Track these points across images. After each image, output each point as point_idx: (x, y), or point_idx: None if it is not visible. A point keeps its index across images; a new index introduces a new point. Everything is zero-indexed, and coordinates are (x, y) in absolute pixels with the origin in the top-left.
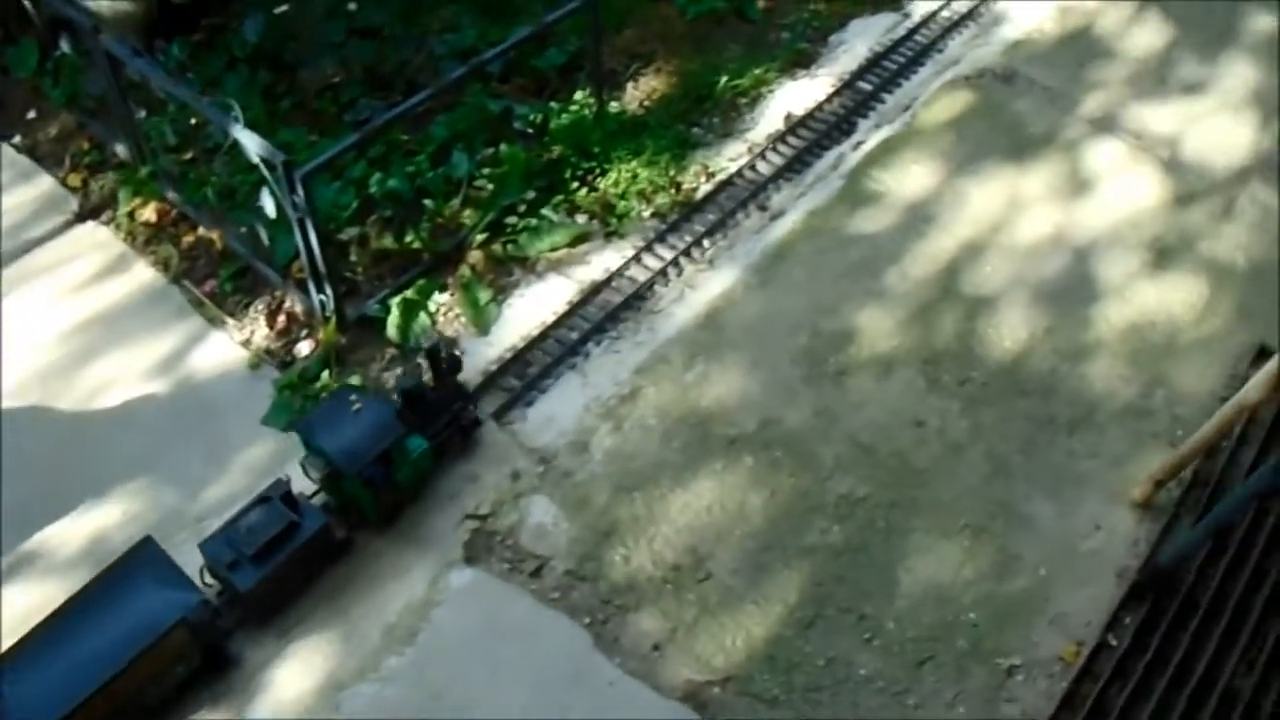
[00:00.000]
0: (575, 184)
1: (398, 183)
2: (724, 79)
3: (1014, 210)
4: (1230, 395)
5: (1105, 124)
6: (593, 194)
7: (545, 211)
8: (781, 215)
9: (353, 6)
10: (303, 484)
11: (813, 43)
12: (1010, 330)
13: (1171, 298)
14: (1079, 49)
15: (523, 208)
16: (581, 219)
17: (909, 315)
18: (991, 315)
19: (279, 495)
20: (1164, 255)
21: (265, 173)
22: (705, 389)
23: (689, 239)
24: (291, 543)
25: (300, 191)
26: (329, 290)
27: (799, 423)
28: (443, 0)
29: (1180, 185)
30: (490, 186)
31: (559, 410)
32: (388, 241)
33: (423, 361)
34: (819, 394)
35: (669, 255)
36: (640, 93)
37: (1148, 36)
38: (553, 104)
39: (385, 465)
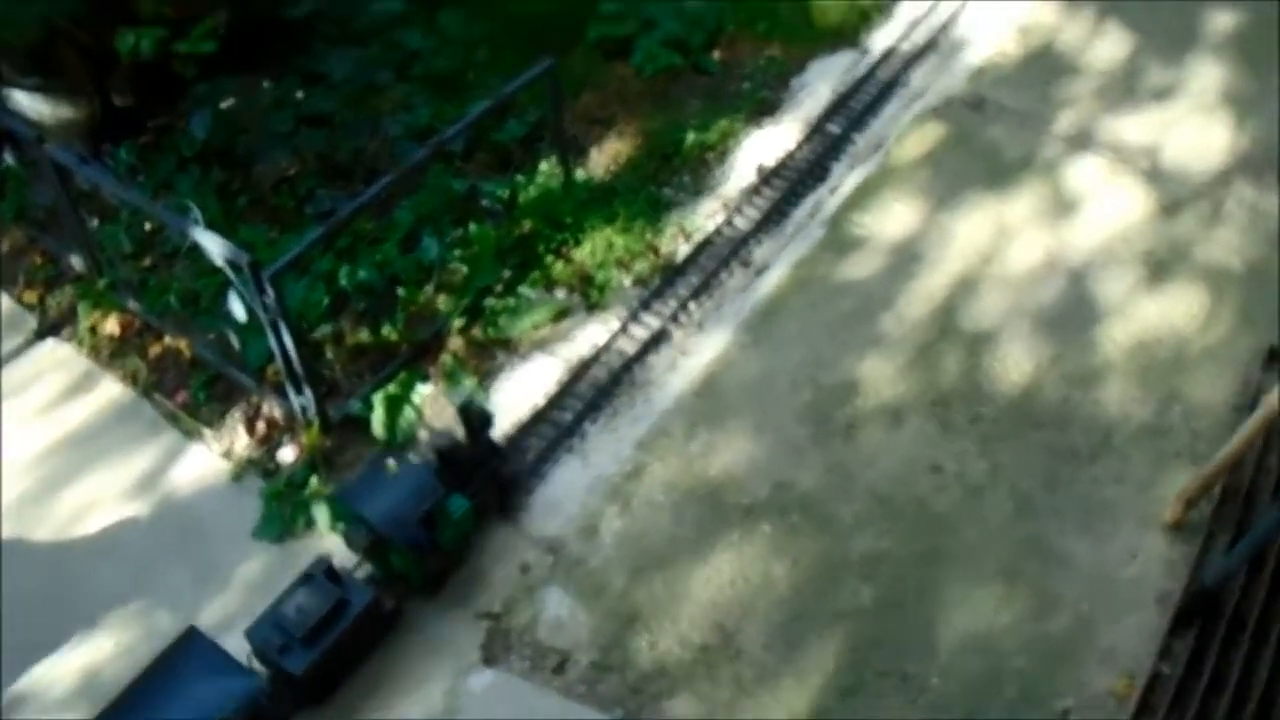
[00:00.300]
0: (550, 258)
1: (368, 273)
2: (690, 135)
3: (1002, 239)
4: (1244, 402)
5: (1081, 141)
6: (569, 267)
7: (523, 289)
8: (766, 270)
9: (300, 95)
10: (341, 556)
11: (774, 89)
12: (1016, 363)
13: (1173, 310)
14: (1044, 68)
15: (499, 288)
16: (561, 294)
17: (911, 359)
18: (995, 349)
19: (322, 572)
20: (1159, 268)
21: (231, 275)
22: (711, 459)
23: (674, 304)
24: (341, 621)
25: (270, 292)
26: (308, 393)
27: (813, 483)
28: (392, 80)
29: (1164, 194)
30: (463, 269)
31: (562, 495)
32: (363, 336)
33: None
34: (829, 451)
35: (656, 323)
36: (606, 157)
37: (1110, 47)
38: (518, 178)
39: (429, 529)
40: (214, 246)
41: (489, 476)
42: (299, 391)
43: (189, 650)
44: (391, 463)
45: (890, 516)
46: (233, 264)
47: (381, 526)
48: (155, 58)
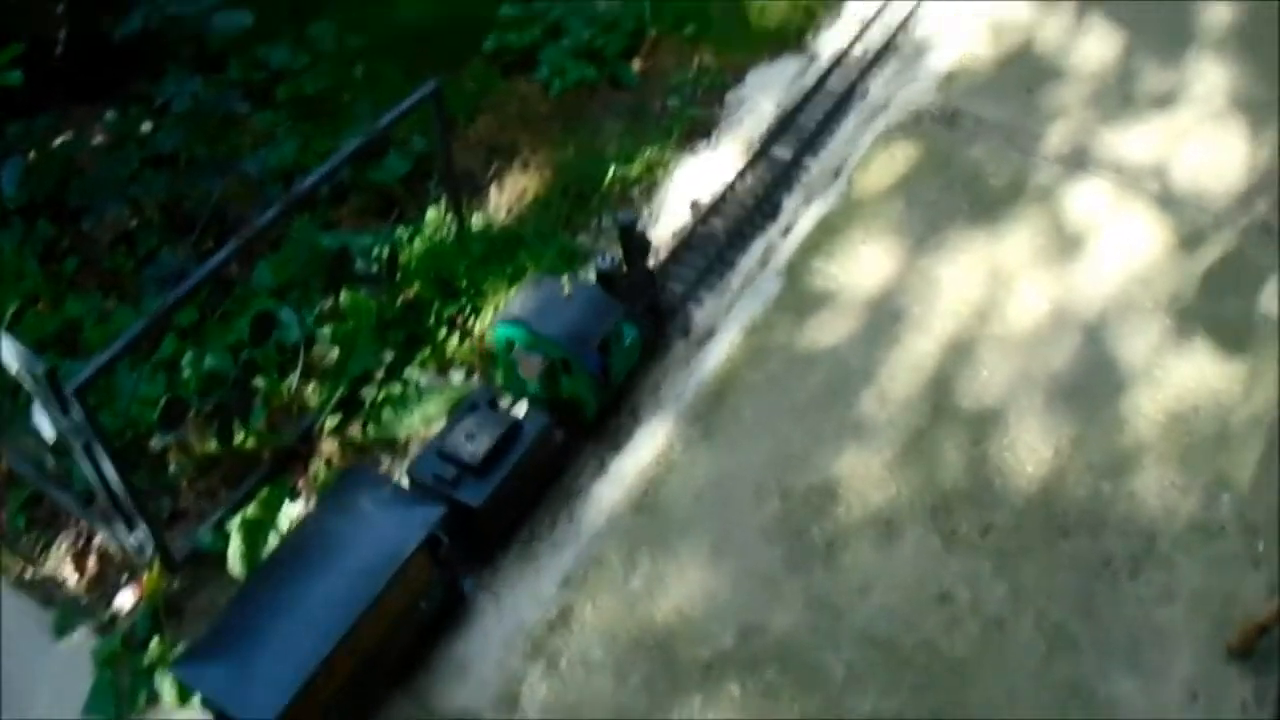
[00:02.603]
0: (442, 332)
1: (217, 360)
2: (609, 168)
3: (998, 288)
4: None
5: (1077, 160)
6: (467, 342)
7: (409, 373)
8: (711, 337)
9: (146, 127)
10: None
11: (707, 106)
12: (1030, 450)
13: (1208, 370)
14: (1024, 72)
15: (380, 373)
16: (457, 377)
17: (900, 451)
18: (1002, 434)
19: (485, 402)
20: (1186, 316)
21: (30, 386)
22: (659, 597)
23: None
24: (516, 448)
25: (76, 411)
26: (143, 527)
27: (790, 625)
28: (251, 108)
29: (1181, 224)
30: (335, 351)
31: (471, 653)
32: (213, 445)
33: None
34: (808, 580)
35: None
36: (508, 197)
37: (1098, 46)
38: (400, 230)
39: (604, 355)
40: (5, 352)
41: (649, 306)
42: (130, 526)
43: (356, 484)
44: (566, 280)
45: (893, 665)
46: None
47: (568, 346)
48: None
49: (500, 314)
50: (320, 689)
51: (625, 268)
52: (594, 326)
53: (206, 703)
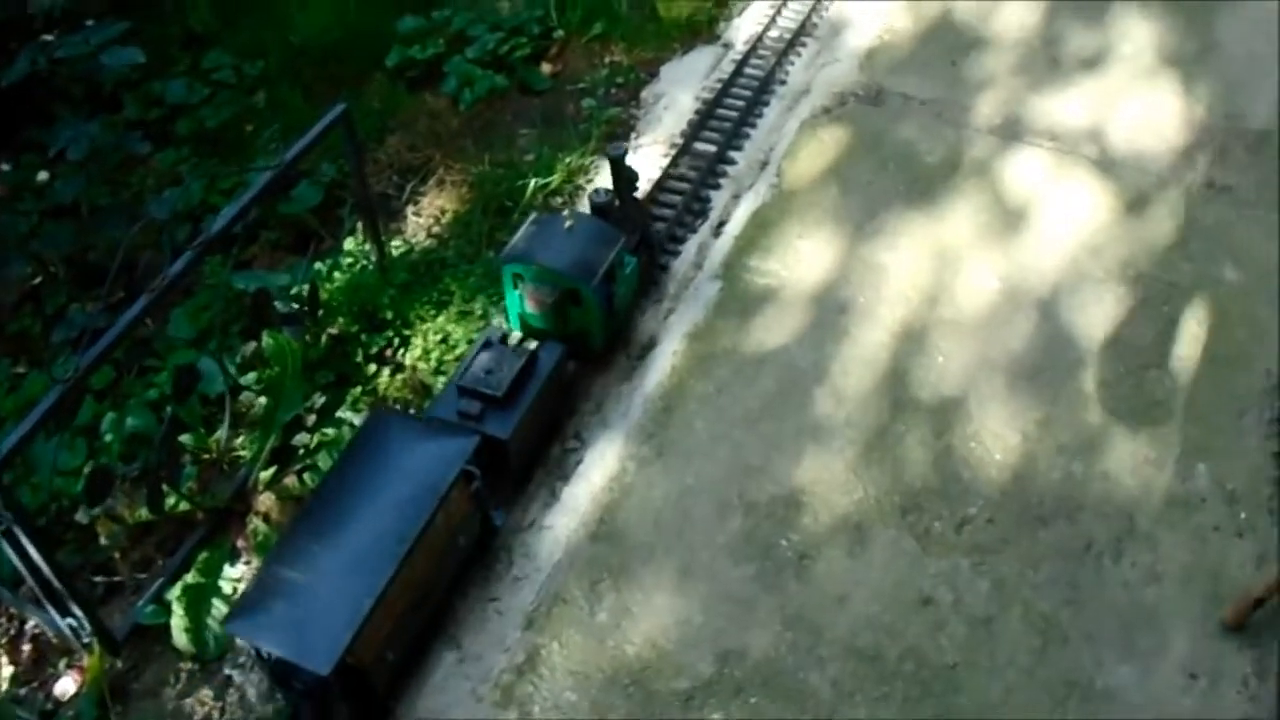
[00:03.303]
0: (372, 368)
1: (139, 420)
2: (529, 180)
3: (945, 270)
4: (1273, 435)
5: (1011, 131)
6: (398, 376)
7: (343, 415)
8: (652, 348)
9: (43, 176)
10: None
11: (623, 105)
12: (996, 438)
13: (1169, 335)
14: (946, 43)
15: (311, 417)
16: None
17: (862, 451)
18: (966, 423)
19: (498, 339)
20: (1140, 283)
21: None
22: (628, 629)
23: None
24: (535, 379)
25: None
26: (77, 610)
27: (769, 646)
28: (151, 147)
29: (1124, 188)
30: (263, 400)
31: (438, 705)
32: (143, 513)
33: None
34: (783, 596)
35: None
36: (426, 218)
37: (1019, 10)
38: (319, 264)
39: (609, 284)
40: None
41: (642, 237)
42: (63, 610)
43: (383, 425)
44: (568, 214)
45: (881, 677)
46: None
47: (576, 277)
48: None
49: (504, 252)
50: (377, 626)
51: (617, 200)
52: (599, 257)
53: (261, 660)
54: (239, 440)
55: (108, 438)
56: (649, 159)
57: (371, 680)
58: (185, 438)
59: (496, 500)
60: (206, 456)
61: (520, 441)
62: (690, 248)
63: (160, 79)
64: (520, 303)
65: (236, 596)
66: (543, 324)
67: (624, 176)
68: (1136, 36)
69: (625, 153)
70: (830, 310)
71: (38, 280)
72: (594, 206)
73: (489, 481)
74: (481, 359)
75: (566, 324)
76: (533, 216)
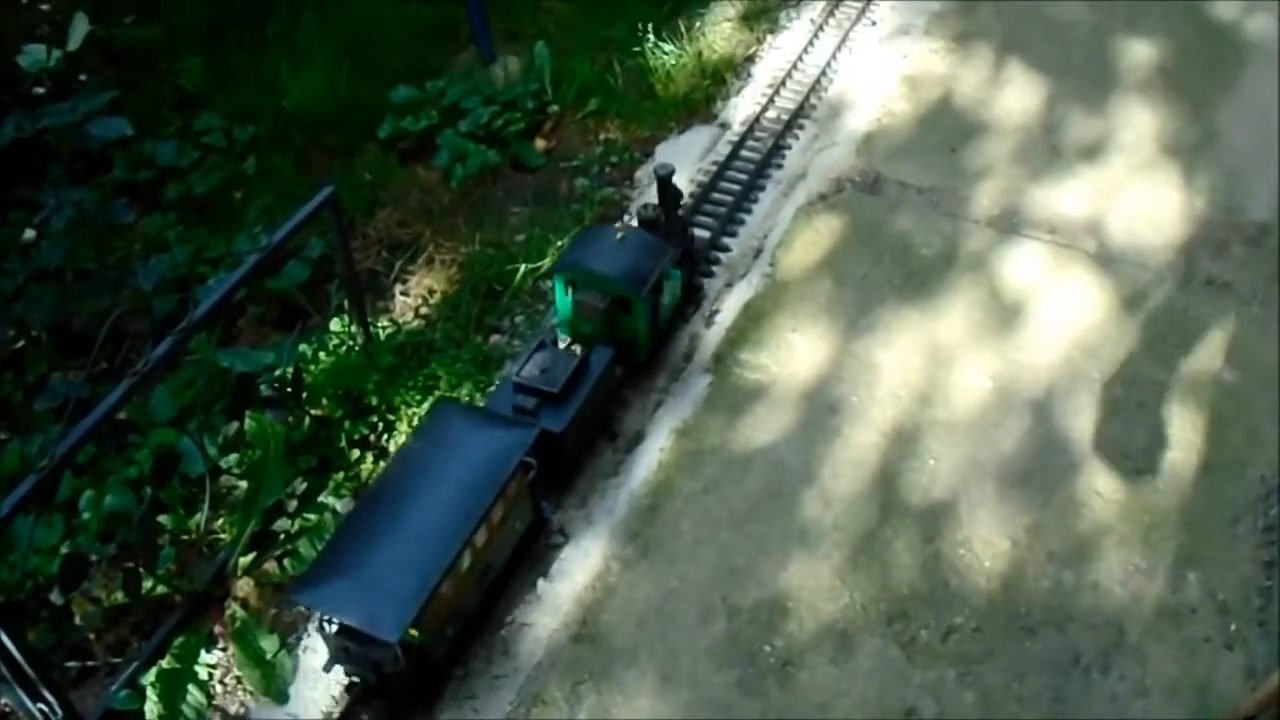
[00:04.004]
0: (356, 452)
1: (117, 499)
2: (519, 264)
3: (938, 369)
4: (1266, 544)
5: (1009, 223)
6: (381, 462)
7: (325, 500)
8: (640, 442)
9: (30, 234)
10: None
11: (617, 185)
12: (986, 544)
13: (1163, 439)
14: (944, 128)
15: (293, 503)
16: None
17: (850, 556)
18: (956, 528)
19: (550, 342)
20: (1134, 384)
21: None
22: None
23: None
24: (586, 379)
25: None
26: (49, 696)
27: None
28: (136, 214)
29: (1122, 283)
30: (243, 483)
31: None
32: (120, 595)
33: None
34: (765, 704)
35: None
36: (415, 297)
37: (1019, 96)
38: (304, 346)
39: (656, 295)
40: None
41: (684, 252)
42: (34, 696)
43: (448, 414)
44: (619, 226)
45: None
46: None
47: (627, 285)
48: None
49: (556, 262)
50: (440, 600)
51: (663, 216)
52: (648, 267)
53: (323, 632)
54: (219, 522)
55: (86, 515)
56: None
57: (431, 653)
58: (164, 518)
59: (546, 494)
60: (186, 538)
61: (573, 437)
62: (682, 340)
63: (151, 139)
64: (571, 309)
65: (305, 568)
66: (592, 329)
67: (670, 194)
68: (1137, 124)
69: (673, 172)
70: (821, 408)
71: (20, 345)
72: (641, 220)
73: (540, 475)
74: (536, 359)
75: (615, 331)
76: (589, 226)
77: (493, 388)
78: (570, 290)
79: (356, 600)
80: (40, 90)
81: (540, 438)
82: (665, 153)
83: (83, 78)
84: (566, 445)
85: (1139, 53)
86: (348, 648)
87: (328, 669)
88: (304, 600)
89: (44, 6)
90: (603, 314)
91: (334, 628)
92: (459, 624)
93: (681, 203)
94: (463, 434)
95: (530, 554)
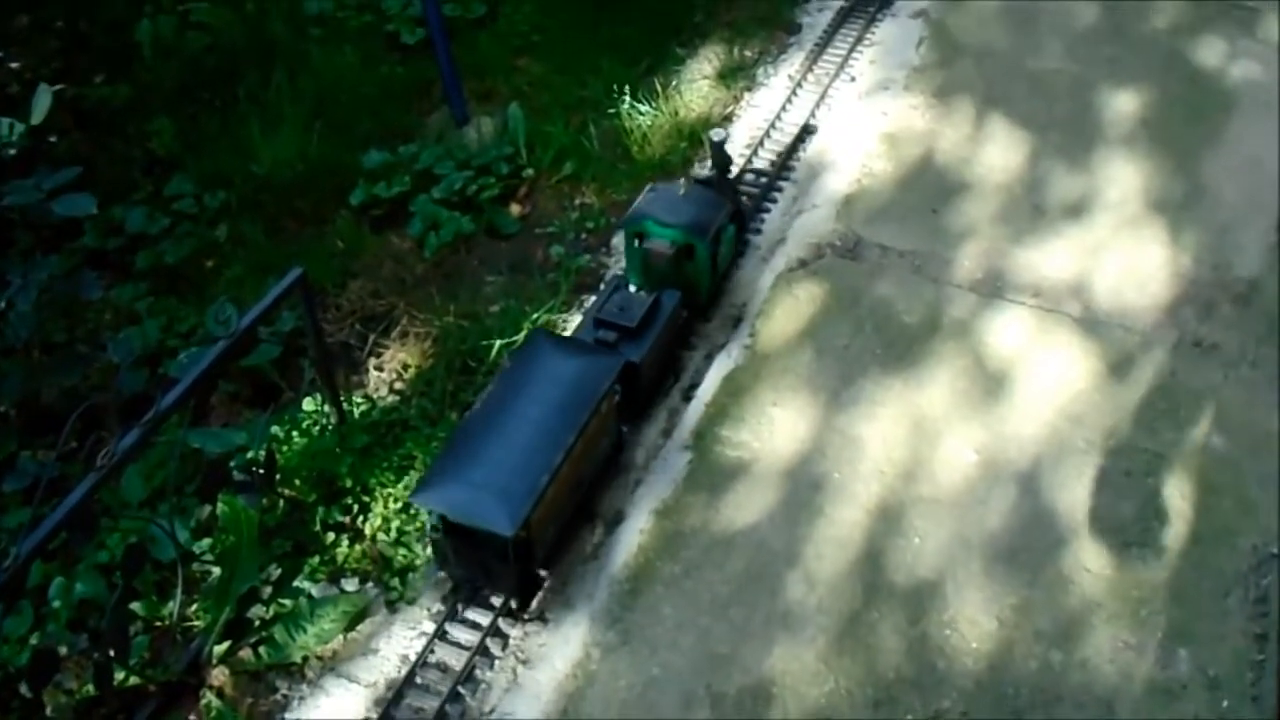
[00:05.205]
0: (331, 536)
1: (88, 586)
2: (495, 341)
3: (922, 442)
4: (1258, 617)
5: (992, 286)
6: (358, 546)
7: (300, 585)
8: (619, 523)
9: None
10: None
11: (593, 251)
12: (972, 624)
13: (1152, 510)
14: (925, 187)
15: (268, 588)
16: (351, 586)
17: (834, 639)
18: (941, 608)
19: (623, 286)
20: (1122, 453)
21: None
22: None
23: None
24: (660, 316)
25: None
26: None
27: None
28: (111, 280)
29: (1108, 349)
30: (216, 569)
31: None
32: (91, 687)
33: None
34: None
35: (483, 620)
36: (389, 372)
37: (1001, 153)
38: (277, 428)
39: (716, 244)
40: None
41: (735, 211)
42: None
43: (542, 342)
44: (682, 181)
45: None
46: None
47: (692, 233)
48: None
49: (626, 216)
50: (546, 502)
51: (716, 178)
52: (709, 218)
53: (437, 530)
54: (193, 608)
55: (56, 604)
56: None
57: (536, 550)
58: (137, 605)
59: (622, 419)
60: (159, 624)
61: (649, 366)
62: (661, 415)
63: (121, 204)
64: (640, 258)
65: (420, 477)
66: (660, 276)
67: (723, 159)
68: (1122, 179)
69: (726, 138)
70: (803, 486)
71: None
72: (699, 180)
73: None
74: (614, 299)
75: (680, 276)
76: (654, 184)
77: None
78: (638, 242)
79: (473, 501)
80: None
81: (623, 366)
82: None
83: (52, 138)
84: (643, 374)
85: (1122, 104)
86: (458, 549)
87: (439, 572)
88: (425, 502)
89: (14, 65)
90: (669, 260)
91: (440, 535)
92: (558, 527)
93: (731, 167)
94: (558, 359)
95: (612, 471)
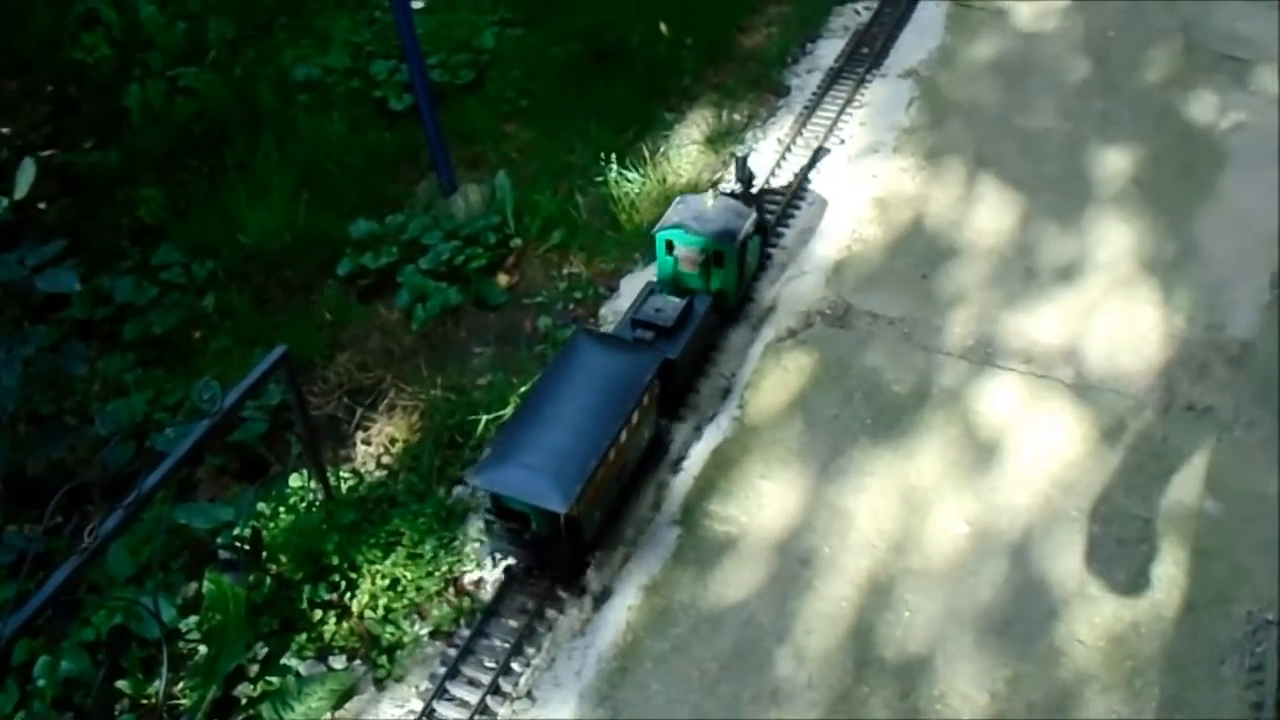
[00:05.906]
0: (318, 613)
1: (73, 663)
2: (481, 416)
3: (912, 514)
4: (1254, 685)
5: (982, 353)
6: (346, 623)
7: (287, 663)
8: (608, 598)
9: None
10: None
11: (581, 322)
12: (964, 698)
13: (1145, 578)
14: (915, 252)
15: (254, 666)
16: (339, 663)
17: (825, 715)
18: (932, 683)
19: (657, 290)
20: (1114, 521)
21: None
22: None
23: (492, 666)
24: (693, 318)
25: None
26: None
27: None
28: (98, 350)
29: (1100, 415)
30: (203, 647)
31: None
32: None
33: None
34: None
35: (471, 697)
36: (376, 447)
37: (992, 216)
38: (263, 505)
39: (743, 252)
40: None
41: (759, 224)
42: None
43: (586, 338)
44: (711, 192)
45: None
46: None
47: (720, 241)
48: None
49: (657, 225)
50: (595, 484)
51: (742, 190)
52: (737, 226)
53: (493, 510)
54: (180, 686)
55: (41, 682)
56: None
57: (584, 531)
58: (123, 683)
59: (660, 412)
60: (145, 702)
61: (684, 364)
62: (649, 490)
63: (108, 273)
64: (670, 265)
65: (477, 461)
66: (691, 281)
67: (747, 174)
68: (1113, 240)
69: (749, 155)
70: (793, 561)
71: None
72: (724, 194)
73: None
74: (650, 301)
75: (710, 281)
76: (682, 194)
77: (455, 542)
78: (669, 249)
79: (526, 482)
80: None
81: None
82: (631, 286)
83: (41, 205)
84: (679, 370)
85: (1113, 162)
86: (512, 530)
87: (491, 556)
88: (481, 484)
89: (3, 131)
90: (700, 266)
91: (494, 520)
92: (604, 509)
93: (754, 181)
94: (602, 355)
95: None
